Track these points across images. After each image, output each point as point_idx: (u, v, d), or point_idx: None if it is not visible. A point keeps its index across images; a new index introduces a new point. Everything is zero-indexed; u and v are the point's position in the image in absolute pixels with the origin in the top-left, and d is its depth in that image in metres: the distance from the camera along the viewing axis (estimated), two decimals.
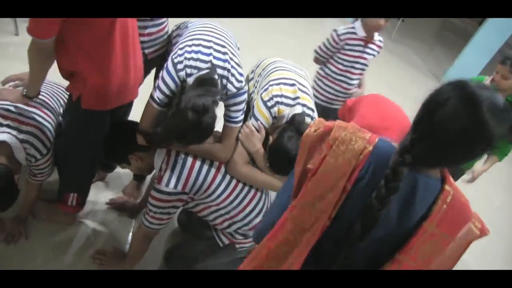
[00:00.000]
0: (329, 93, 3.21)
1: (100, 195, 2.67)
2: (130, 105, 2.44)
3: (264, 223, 1.43)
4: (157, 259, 2.39)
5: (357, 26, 3.01)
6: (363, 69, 3.19)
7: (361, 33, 3.01)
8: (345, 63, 3.09)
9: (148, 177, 2.75)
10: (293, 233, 1.21)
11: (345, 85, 3.17)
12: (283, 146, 1.91)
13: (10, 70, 2.27)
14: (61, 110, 2.24)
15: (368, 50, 3.10)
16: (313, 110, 2.11)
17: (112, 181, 2.78)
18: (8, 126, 1.93)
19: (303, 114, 2.04)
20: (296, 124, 1.98)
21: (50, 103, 2.15)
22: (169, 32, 2.33)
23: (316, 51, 3.20)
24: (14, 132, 1.93)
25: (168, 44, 2.31)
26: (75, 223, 2.46)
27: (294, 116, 2.02)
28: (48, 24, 1.66)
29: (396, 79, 6.77)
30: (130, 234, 2.56)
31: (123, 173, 2.81)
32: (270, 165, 2.01)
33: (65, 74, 1.96)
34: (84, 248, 2.38)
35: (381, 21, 2.89)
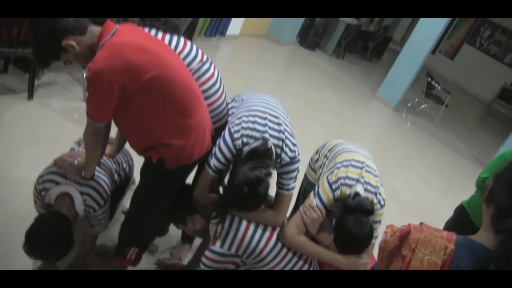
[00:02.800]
0: None
1: (147, 254, 2.77)
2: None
3: None
4: None
5: None
6: None
7: None
8: None
9: (196, 242, 2.85)
10: None
11: None
12: (348, 228, 2.02)
13: (75, 132, 2.47)
14: (114, 166, 2.40)
15: None
16: (376, 188, 2.14)
17: (160, 241, 2.88)
18: (71, 180, 2.12)
19: (364, 192, 2.10)
20: (356, 202, 2.05)
21: (103, 161, 2.32)
22: (225, 104, 2.39)
23: None
24: (76, 185, 2.12)
25: (225, 116, 2.38)
26: None
27: (356, 193, 2.08)
28: (106, 110, 1.85)
29: (439, 162, 6.79)
30: None
31: (172, 235, 2.92)
32: (336, 245, 2.09)
33: (143, 150, 2.10)
34: None
35: None
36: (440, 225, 4.84)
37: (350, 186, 2.11)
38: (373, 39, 11.20)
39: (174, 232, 2.91)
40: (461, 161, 7.30)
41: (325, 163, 2.38)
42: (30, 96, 3.63)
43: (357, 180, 2.12)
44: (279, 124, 2.07)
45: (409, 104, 8.70)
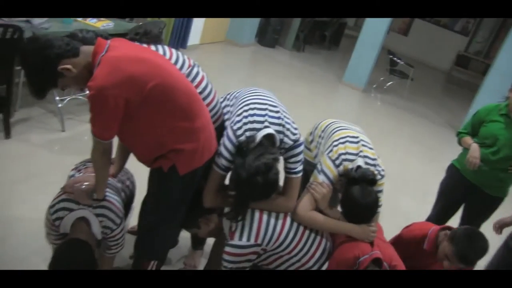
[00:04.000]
0: None
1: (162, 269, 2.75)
2: None
3: None
4: None
5: None
6: None
7: None
8: None
9: (206, 248, 2.85)
10: None
11: None
12: (356, 198, 2.12)
13: (62, 163, 2.43)
14: (119, 185, 2.37)
15: None
16: (375, 160, 2.26)
17: (171, 253, 2.86)
18: (83, 204, 2.08)
19: (365, 165, 2.20)
20: (359, 173, 2.14)
21: (109, 181, 2.26)
22: (219, 104, 2.39)
23: None
24: (90, 208, 2.08)
25: (220, 116, 2.37)
26: None
27: (358, 167, 2.18)
28: (113, 126, 1.83)
29: (416, 133, 6.97)
30: None
31: (182, 244, 2.90)
32: (346, 217, 2.18)
33: (152, 161, 2.07)
34: None
35: None
36: (430, 189, 4.98)
37: (351, 161, 2.20)
38: (329, 27, 11.37)
39: (183, 242, 2.89)
40: (435, 128, 7.52)
41: (320, 143, 2.46)
42: (8, 135, 3.56)
43: (357, 155, 2.21)
44: (277, 112, 2.10)
45: (376, 85, 8.89)
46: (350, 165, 2.19)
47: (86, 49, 1.85)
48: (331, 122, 2.53)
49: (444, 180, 3.29)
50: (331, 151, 2.25)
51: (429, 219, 3.38)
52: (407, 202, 4.62)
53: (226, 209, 2.13)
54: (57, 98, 4.00)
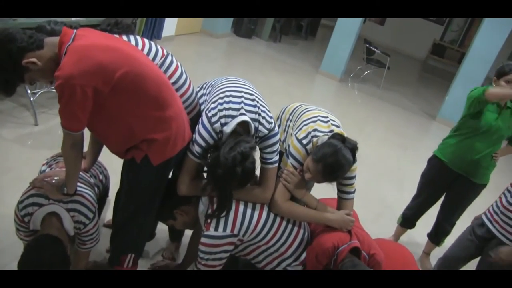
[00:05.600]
0: None
1: (141, 261, 2.72)
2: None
3: None
4: None
5: None
6: None
7: None
8: None
9: (185, 239, 2.83)
10: None
11: None
12: (326, 152, 2.03)
13: (35, 157, 2.37)
14: (92, 180, 2.33)
15: None
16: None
17: (149, 246, 2.84)
18: (54, 199, 2.03)
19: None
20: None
21: (80, 175, 2.22)
22: (195, 93, 2.37)
23: None
24: (60, 203, 2.04)
25: (197, 106, 2.35)
26: None
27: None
28: (82, 116, 1.78)
29: (392, 122, 7.04)
30: None
31: (160, 237, 2.88)
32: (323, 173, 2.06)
33: (124, 152, 2.04)
34: None
35: None
36: (407, 176, 5.05)
37: (321, 137, 2.17)
38: (305, 18, 11.38)
39: (161, 234, 2.87)
40: (411, 117, 7.60)
41: (289, 125, 2.43)
42: None
43: (326, 133, 2.19)
44: (253, 100, 2.09)
45: (353, 74, 8.93)
46: (319, 140, 2.16)
47: (52, 40, 1.80)
48: (299, 104, 2.51)
49: (427, 171, 3.30)
50: (300, 129, 2.22)
51: (410, 209, 3.42)
52: (384, 189, 4.67)
53: (209, 211, 2.09)
54: (29, 91, 3.90)
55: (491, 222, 2.62)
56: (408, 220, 3.47)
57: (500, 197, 2.64)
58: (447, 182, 3.17)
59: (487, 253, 2.53)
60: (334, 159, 2.01)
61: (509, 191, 2.57)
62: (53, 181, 2.03)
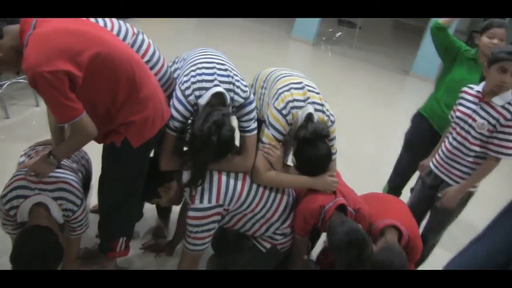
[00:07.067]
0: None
1: (132, 242, 2.73)
2: None
3: None
4: None
5: None
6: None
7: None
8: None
9: (173, 216, 2.84)
10: None
11: None
12: (308, 156, 2.15)
13: (11, 151, 2.32)
14: (75, 165, 2.31)
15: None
16: (322, 105, 2.24)
17: (138, 226, 2.84)
18: (39, 189, 2.00)
19: (315, 112, 2.18)
20: (311, 130, 2.12)
21: (63, 162, 2.20)
22: (169, 70, 2.34)
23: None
24: (46, 193, 2.01)
25: (172, 82, 2.32)
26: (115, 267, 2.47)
27: (308, 115, 2.16)
28: (71, 101, 1.72)
29: (369, 81, 7.08)
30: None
31: (148, 217, 2.88)
32: (301, 173, 2.20)
33: (103, 137, 2.01)
34: None
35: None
36: (389, 132, 5.11)
37: (300, 108, 2.18)
38: None
39: (149, 214, 2.87)
40: (387, 74, 7.66)
41: (264, 93, 2.41)
42: None
43: (305, 101, 2.19)
44: (226, 70, 2.07)
45: (325, 37, 8.90)
46: (299, 112, 2.16)
47: (12, 28, 1.74)
48: (272, 70, 2.49)
49: (410, 130, 3.19)
50: (277, 99, 2.21)
51: (396, 170, 3.32)
52: (365, 147, 4.73)
53: (185, 178, 2.11)
54: None
55: (437, 167, 2.63)
56: (395, 188, 3.34)
57: (444, 142, 2.63)
58: (430, 141, 2.97)
59: (437, 199, 2.57)
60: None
61: (450, 133, 2.55)
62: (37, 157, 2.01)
